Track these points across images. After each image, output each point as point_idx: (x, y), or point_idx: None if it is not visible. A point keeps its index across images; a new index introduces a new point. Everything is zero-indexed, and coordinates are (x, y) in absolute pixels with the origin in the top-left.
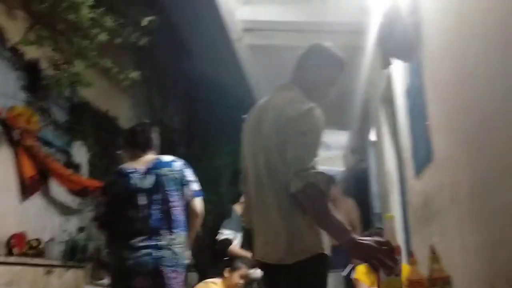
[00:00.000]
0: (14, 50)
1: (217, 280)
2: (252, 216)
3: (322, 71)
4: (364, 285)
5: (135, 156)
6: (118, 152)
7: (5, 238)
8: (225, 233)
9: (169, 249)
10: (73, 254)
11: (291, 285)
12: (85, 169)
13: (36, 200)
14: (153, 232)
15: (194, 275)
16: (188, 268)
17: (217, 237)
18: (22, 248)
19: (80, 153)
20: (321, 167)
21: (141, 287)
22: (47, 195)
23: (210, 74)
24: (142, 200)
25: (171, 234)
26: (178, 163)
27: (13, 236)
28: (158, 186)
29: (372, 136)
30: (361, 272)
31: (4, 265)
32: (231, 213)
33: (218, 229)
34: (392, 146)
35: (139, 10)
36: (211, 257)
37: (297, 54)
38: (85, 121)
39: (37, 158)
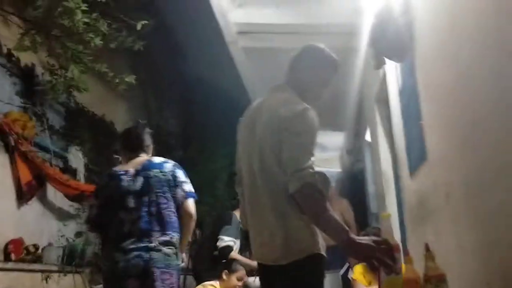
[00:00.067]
0: (9, 56)
1: (215, 283)
2: (248, 217)
3: (316, 72)
4: (361, 285)
5: (128, 158)
6: (116, 156)
7: (3, 244)
8: (225, 240)
9: (160, 250)
10: (71, 259)
11: (287, 285)
12: (81, 174)
13: (33, 206)
14: (143, 234)
15: (192, 278)
16: (184, 270)
17: (217, 243)
18: (20, 253)
19: (77, 158)
20: (318, 168)
21: None
22: (44, 200)
23: (205, 76)
24: (131, 202)
25: (162, 236)
26: (169, 165)
27: (11, 242)
28: (148, 188)
29: (368, 137)
30: (358, 272)
31: (2, 271)
32: (231, 219)
33: (217, 232)
34: (387, 146)
35: (134, 14)
36: (209, 259)
37: (291, 56)
38: (81, 126)
39: (34, 164)
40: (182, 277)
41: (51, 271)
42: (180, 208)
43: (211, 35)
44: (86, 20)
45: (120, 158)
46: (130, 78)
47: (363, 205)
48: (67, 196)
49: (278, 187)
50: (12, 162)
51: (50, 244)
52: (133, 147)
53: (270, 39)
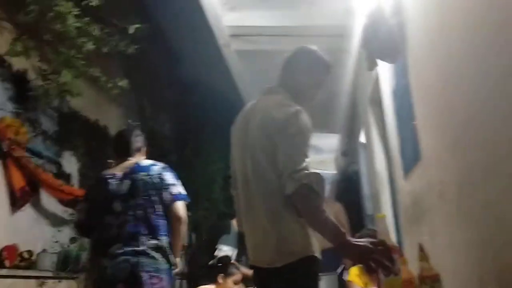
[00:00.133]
0: (1, 61)
1: (211, 287)
2: (242, 220)
3: (309, 74)
4: (357, 287)
5: (118, 162)
6: (110, 160)
7: None
8: (223, 250)
9: (148, 254)
10: (66, 265)
11: None
12: (75, 179)
13: (27, 212)
14: (131, 239)
15: (186, 282)
16: (180, 274)
17: (215, 253)
18: (14, 260)
19: (70, 163)
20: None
21: None
22: (38, 206)
23: (199, 80)
24: (118, 206)
25: (149, 240)
26: (157, 167)
27: (4, 249)
28: (134, 192)
29: (362, 138)
30: (354, 274)
31: None
32: (229, 228)
33: (214, 239)
34: (381, 147)
35: (126, 18)
36: (206, 265)
37: (284, 57)
38: (74, 131)
39: (27, 169)
40: (178, 281)
41: (45, 278)
42: (168, 212)
43: (204, 39)
44: (78, 24)
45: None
46: (123, 83)
47: (358, 207)
48: (61, 201)
49: (271, 189)
50: (5, 168)
51: (44, 250)
52: (123, 150)
53: (262, 42)
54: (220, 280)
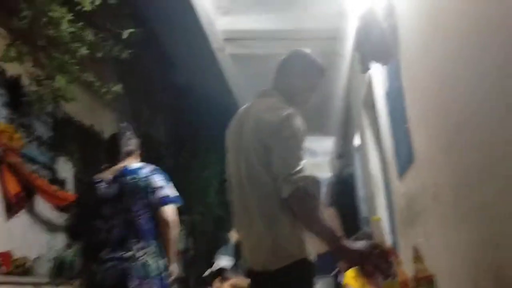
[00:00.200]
0: None
1: None
2: (238, 223)
3: (303, 77)
4: None
5: (110, 165)
6: (105, 165)
7: None
8: (220, 263)
9: (137, 259)
10: (61, 271)
11: None
12: (70, 185)
13: (22, 218)
14: (119, 243)
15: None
16: (173, 280)
17: (214, 265)
18: (9, 267)
19: (65, 169)
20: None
21: None
22: (32, 212)
23: (194, 84)
24: (107, 210)
25: (138, 244)
26: (146, 170)
27: None
28: (122, 195)
29: (357, 141)
30: (349, 276)
31: None
32: (228, 239)
33: (212, 245)
34: (376, 149)
35: (120, 23)
36: (204, 270)
37: (278, 61)
38: (69, 136)
39: (21, 175)
40: (174, 287)
41: (41, 284)
42: (156, 215)
43: (198, 43)
44: (72, 29)
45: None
46: (117, 87)
47: (354, 210)
48: (56, 207)
49: (266, 192)
50: (0, 174)
51: (39, 257)
52: (114, 154)
53: (256, 46)
54: (216, 285)
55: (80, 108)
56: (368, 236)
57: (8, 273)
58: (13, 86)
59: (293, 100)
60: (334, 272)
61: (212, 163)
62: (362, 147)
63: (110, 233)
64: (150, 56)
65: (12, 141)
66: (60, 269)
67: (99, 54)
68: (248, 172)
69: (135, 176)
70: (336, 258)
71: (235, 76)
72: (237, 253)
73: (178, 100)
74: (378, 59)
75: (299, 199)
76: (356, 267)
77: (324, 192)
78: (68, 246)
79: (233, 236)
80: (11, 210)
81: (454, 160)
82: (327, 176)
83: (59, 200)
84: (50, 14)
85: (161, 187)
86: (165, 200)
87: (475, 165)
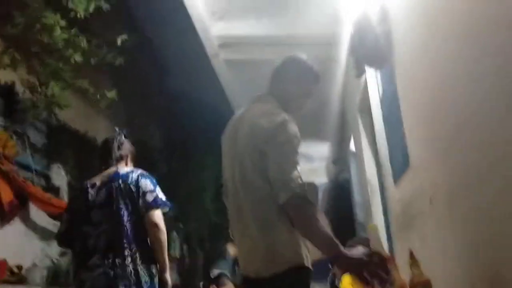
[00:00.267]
0: None
1: None
2: (233, 228)
3: (298, 83)
4: None
5: (102, 170)
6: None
7: None
8: (217, 271)
9: (126, 266)
10: (56, 279)
11: None
12: (64, 192)
13: (16, 226)
14: (108, 249)
15: None
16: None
17: (211, 275)
18: (3, 275)
19: (59, 176)
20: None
21: None
22: (26, 220)
23: (189, 89)
24: (95, 216)
25: (126, 251)
26: (135, 174)
27: None
28: (111, 201)
29: (352, 146)
30: (346, 282)
31: None
32: (225, 252)
33: (210, 262)
34: (371, 155)
35: (115, 29)
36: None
37: (273, 66)
38: (63, 143)
39: (15, 183)
40: None
41: None
42: (144, 220)
43: (193, 49)
44: (65, 36)
45: None
46: (112, 94)
47: (350, 214)
48: (50, 214)
49: (260, 198)
50: None
51: (34, 265)
52: (105, 158)
53: (251, 51)
54: None
55: (74, 114)
56: (364, 241)
57: (3, 282)
58: (7, 93)
59: (288, 106)
60: (330, 279)
61: (207, 168)
62: (358, 152)
63: (99, 239)
64: (145, 61)
65: (6, 149)
66: (55, 277)
67: (93, 61)
68: (242, 177)
69: (124, 180)
70: (336, 266)
71: (230, 81)
72: (235, 267)
73: (173, 106)
74: (372, 64)
75: (296, 205)
76: (355, 275)
77: (321, 198)
78: (63, 253)
79: (231, 249)
80: (5, 218)
81: (450, 164)
82: (323, 181)
83: (53, 208)
84: (43, 20)
85: (150, 191)
86: (153, 204)
87: (471, 169)
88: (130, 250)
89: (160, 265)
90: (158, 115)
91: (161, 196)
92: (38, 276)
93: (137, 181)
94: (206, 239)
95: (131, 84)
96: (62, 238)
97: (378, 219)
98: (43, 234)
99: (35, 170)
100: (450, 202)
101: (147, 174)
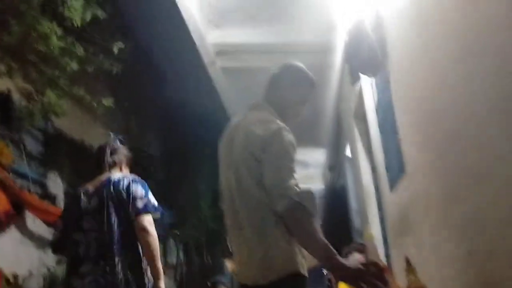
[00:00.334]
0: None
1: None
2: (230, 236)
3: (294, 91)
4: None
5: (96, 176)
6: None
7: None
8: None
9: (116, 274)
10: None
11: None
12: (61, 200)
13: (12, 234)
14: (99, 257)
15: None
16: None
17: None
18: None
19: (56, 184)
20: (302, 185)
21: None
22: (22, 228)
23: (186, 97)
24: (87, 223)
25: (115, 258)
26: (126, 180)
27: None
28: (102, 207)
29: (348, 153)
30: None
31: None
32: (223, 268)
33: (206, 256)
34: (367, 161)
35: (111, 38)
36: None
37: (269, 74)
38: (60, 151)
39: (11, 191)
40: None
41: None
42: (134, 226)
43: (189, 56)
44: (61, 44)
45: None
46: (108, 101)
47: (346, 221)
48: (46, 222)
49: (255, 205)
50: None
51: (30, 273)
52: (99, 164)
53: (247, 59)
54: None
55: (71, 123)
56: (361, 247)
57: None
58: (3, 101)
59: (285, 113)
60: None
61: (204, 176)
62: (353, 158)
63: (89, 246)
64: (142, 69)
65: (2, 157)
66: (51, 285)
67: (90, 69)
68: (238, 184)
69: (116, 186)
70: (333, 275)
71: (226, 89)
72: (233, 281)
73: (170, 113)
74: (367, 71)
75: (294, 214)
76: (352, 285)
77: (318, 205)
78: (60, 262)
79: (230, 265)
80: (0, 226)
81: (445, 170)
82: (319, 187)
83: (50, 215)
84: (40, 29)
85: (140, 197)
86: (143, 210)
87: (466, 175)
88: (120, 257)
89: (154, 273)
90: (155, 123)
91: (153, 201)
92: (34, 285)
93: (128, 187)
94: (203, 245)
95: (127, 92)
96: (56, 246)
97: (374, 225)
98: (40, 242)
99: (32, 178)
100: (445, 208)
101: (139, 179)
